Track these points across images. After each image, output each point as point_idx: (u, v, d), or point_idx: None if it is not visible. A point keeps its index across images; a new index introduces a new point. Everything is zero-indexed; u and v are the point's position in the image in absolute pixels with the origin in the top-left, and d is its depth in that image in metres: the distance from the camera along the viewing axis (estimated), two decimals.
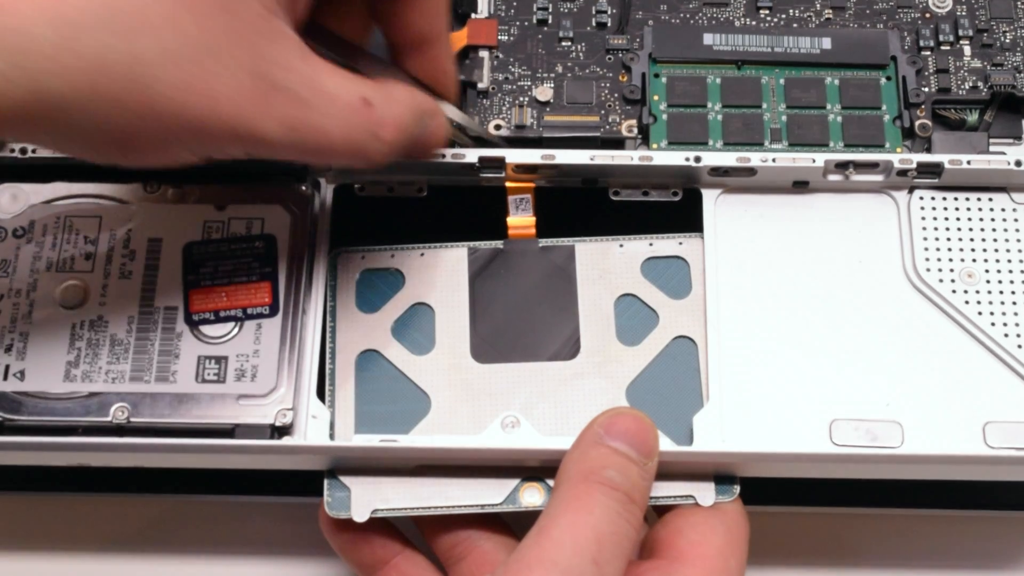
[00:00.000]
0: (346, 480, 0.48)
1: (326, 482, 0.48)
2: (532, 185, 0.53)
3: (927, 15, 0.57)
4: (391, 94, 0.45)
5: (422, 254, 0.53)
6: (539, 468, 0.48)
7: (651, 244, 0.53)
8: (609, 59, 0.57)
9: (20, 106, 0.37)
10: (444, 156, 0.52)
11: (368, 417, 0.50)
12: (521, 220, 0.53)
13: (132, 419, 0.49)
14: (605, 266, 0.52)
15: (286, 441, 0.48)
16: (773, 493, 0.53)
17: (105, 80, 0.38)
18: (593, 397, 0.50)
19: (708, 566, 0.46)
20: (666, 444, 0.47)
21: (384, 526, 0.50)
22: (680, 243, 0.53)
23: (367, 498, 0.48)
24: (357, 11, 0.49)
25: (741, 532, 0.48)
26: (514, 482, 0.48)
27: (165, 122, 0.39)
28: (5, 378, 0.49)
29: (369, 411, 0.51)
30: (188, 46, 0.39)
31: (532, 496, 0.48)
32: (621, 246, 0.53)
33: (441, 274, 0.52)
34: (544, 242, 0.53)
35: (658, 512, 0.49)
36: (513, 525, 0.50)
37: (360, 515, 0.48)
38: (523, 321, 0.52)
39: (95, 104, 0.38)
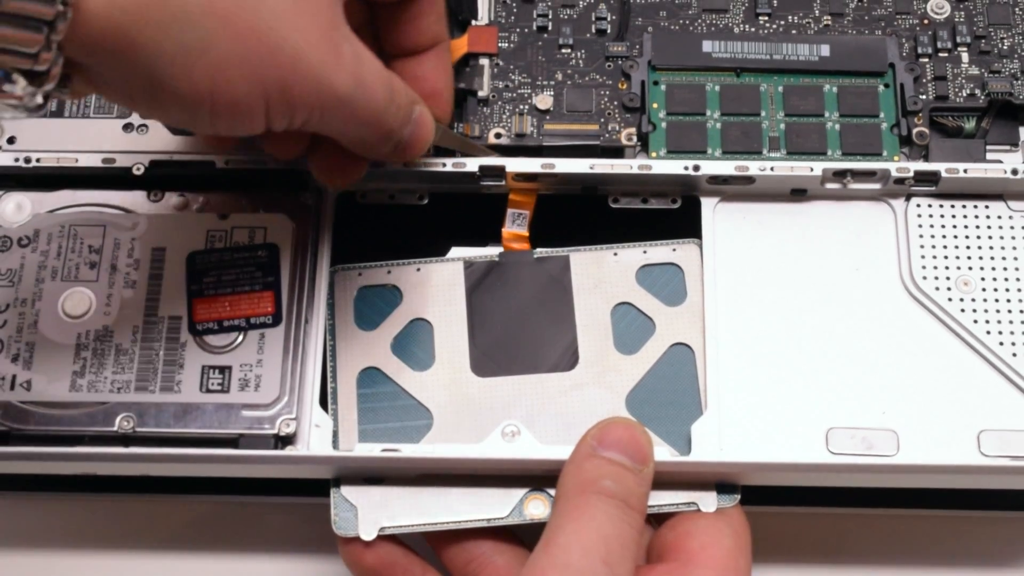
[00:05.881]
0: (351, 496, 0.49)
1: (332, 498, 0.49)
2: (534, 199, 0.53)
3: (925, 22, 0.57)
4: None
5: (418, 269, 0.53)
6: (541, 477, 0.48)
7: (645, 252, 0.53)
8: (609, 66, 0.57)
9: (137, 8, 0.37)
10: (445, 165, 0.52)
11: (371, 435, 0.51)
12: (515, 232, 0.53)
13: (137, 429, 0.49)
14: (600, 275, 0.53)
15: (290, 451, 0.49)
16: (773, 494, 0.53)
17: None
18: (593, 407, 0.51)
19: (720, 567, 0.46)
20: (664, 454, 0.48)
21: (402, 552, 0.50)
22: (674, 250, 0.53)
23: (374, 516, 0.48)
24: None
25: (746, 534, 0.48)
26: (518, 493, 0.48)
27: (263, 54, 0.40)
28: (12, 388, 0.50)
29: (372, 429, 0.51)
30: None
31: (537, 508, 0.48)
32: (615, 255, 0.53)
33: (438, 289, 0.53)
34: (539, 253, 0.53)
35: (659, 520, 0.49)
36: (525, 537, 0.50)
37: (368, 533, 0.48)
38: (521, 333, 0.52)
39: (207, 20, 0.38)
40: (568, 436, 0.50)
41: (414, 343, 0.52)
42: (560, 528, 0.43)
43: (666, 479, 0.48)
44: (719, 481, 0.49)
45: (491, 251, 0.54)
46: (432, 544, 0.50)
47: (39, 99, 0.37)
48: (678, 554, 0.47)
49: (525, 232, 0.53)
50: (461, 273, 0.53)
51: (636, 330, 0.52)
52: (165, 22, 0.37)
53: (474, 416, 0.51)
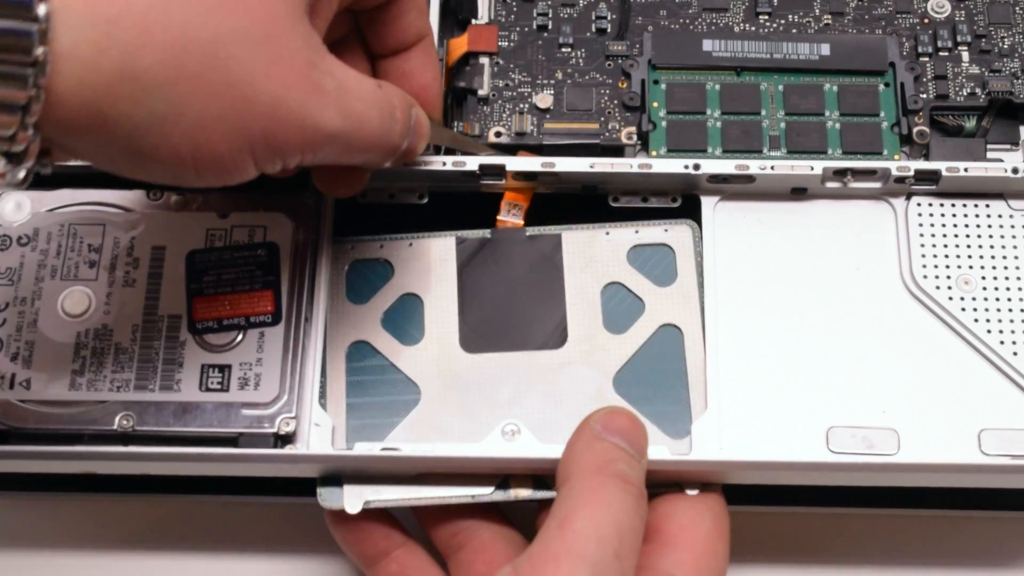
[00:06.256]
0: None
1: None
2: (529, 196, 0.53)
3: (925, 20, 0.58)
4: (383, 82, 0.46)
5: (410, 244, 0.53)
6: (542, 477, 0.49)
7: (637, 232, 0.53)
8: (609, 65, 0.57)
9: (107, 86, 0.36)
10: (445, 164, 0.52)
11: (358, 408, 0.51)
12: (510, 221, 0.53)
13: (137, 428, 0.49)
14: (591, 254, 0.53)
15: (289, 450, 0.49)
16: (773, 493, 0.53)
17: (188, 57, 0.37)
18: (580, 385, 0.51)
19: (698, 550, 0.46)
20: (664, 453, 0.48)
21: (385, 519, 0.50)
22: (666, 230, 0.53)
23: (359, 489, 0.49)
24: (359, 64, 0.49)
25: (725, 518, 0.48)
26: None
27: (240, 109, 0.39)
28: (11, 387, 0.50)
29: (359, 402, 0.51)
30: (257, 27, 0.39)
31: (523, 487, 0.48)
32: (607, 234, 0.53)
33: (430, 264, 0.53)
34: (531, 231, 0.53)
35: None
36: (511, 516, 0.51)
37: (352, 506, 0.48)
38: (511, 310, 0.52)
39: (178, 86, 0.37)
40: (556, 414, 0.50)
41: (404, 318, 0.52)
42: (577, 511, 0.43)
43: (665, 479, 0.48)
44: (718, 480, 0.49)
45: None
46: (421, 521, 0.50)
47: (20, 175, 0.37)
48: (657, 535, 0.47)
49: (520, 223, 0.53)
50: (453, 249, 0.53)
51: (625, 310, 0.52)
52: (136, 95, 0.37)
53: (462, 392, 0.51)
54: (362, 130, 0.43)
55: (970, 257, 0.52)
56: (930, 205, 0.53)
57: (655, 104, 0.56)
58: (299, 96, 0.40)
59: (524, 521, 0.50)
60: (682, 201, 0.53)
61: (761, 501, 0.53)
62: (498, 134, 0.55)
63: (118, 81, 0.36)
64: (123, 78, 0.36)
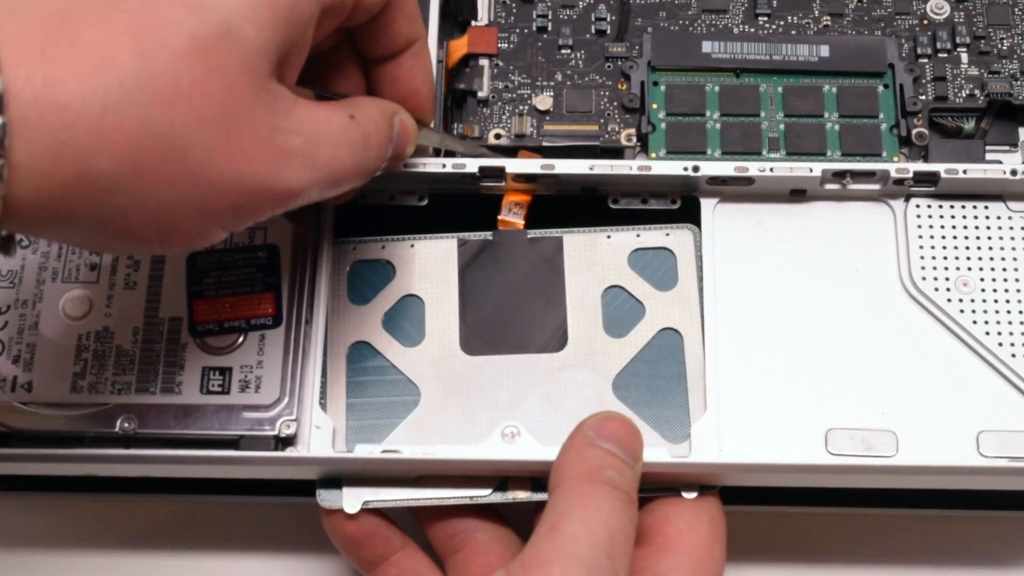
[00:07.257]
0: None
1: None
2: (529, 198, 0.53)
3: (925, 22, 0.58)
4: (359, 104, 0.46)
5: (412, 245, 0.53)
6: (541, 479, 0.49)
7: (638, 235, 0.53)
8: (608, 67, 0.57)
9: (65, 189, 0.36)
10: (444, 166, 0.52)
11: (358, 408, 0.51)
12: (511, 221, 0.53)
13: (138, 430, 0.49)
14: (592, 257, 0.53)
15: (290, 452, 0.49)
16: (771, 494, 0.53)
17: (145, 153, 0.37)
18: (580, 389, 0.51)
19: (696, 554, 0.47)
20: (663, 455, 0.48)
21: (384, 523, 0.50)
22: (667, 234, 0.53)
23: (358, 491, 0.49)
24: (351, 70, 0.49)
25: (723, 523, 0.49)
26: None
27: (202, 191, 0.39)
28: (13, 389, 0.50)
29: (359, 403, 0.51)
30: (217, 110, 0.38)
31: (521, 488, 0.49)
32: (608, 237, 0.53)
33: (431, 266, 0.53)
34: (532, 233, 0.53)
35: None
36: (509, 518, 0.51)
37: (351, 507, 0.49)
38: (511, 313, 0.52)
39: (136, 181, 0.37)
40: (555, 417, 0.50)
41: (405, 319, 0.53)
42: (567, 515, 0.43)
43: (665, 480, 0.48)
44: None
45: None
46: (419, 522, 0.50)
47: None
48: (655, 538, 0.47)
49: (521, 223, 0.53)
50: (454, 251, 0.53)
51: (626, 314, 0.52)
52: (95, 194, 0.37)
53: (461, 394, 0.51)
54: (334, 174, 0.43)
55: (969, 259, 0.52)
56: (929, 207, 0.53)
57: (654, 106, 0.56)
58: (264, 167, 0.40)
59: (522, 523, 0.50)
60: (681, 203, 0.53)
61: (760, 501, 0.53)
62: (498, 136, 0.55)
63: (75, 184, 0.36)
64: (80, 181, 0.36)
